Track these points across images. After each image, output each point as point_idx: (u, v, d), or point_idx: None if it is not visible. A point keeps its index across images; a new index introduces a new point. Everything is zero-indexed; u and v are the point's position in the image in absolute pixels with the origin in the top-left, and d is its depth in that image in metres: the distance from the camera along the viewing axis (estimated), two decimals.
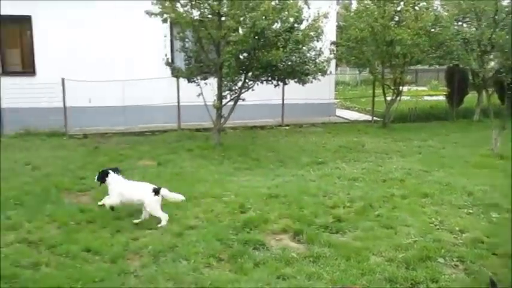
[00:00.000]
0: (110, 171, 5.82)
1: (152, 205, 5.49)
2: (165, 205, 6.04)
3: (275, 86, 11.33)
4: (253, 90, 10.86)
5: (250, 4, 9.48)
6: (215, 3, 9.55)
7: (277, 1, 9.97)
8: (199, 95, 10.51)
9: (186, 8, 9.59)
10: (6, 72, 13.49)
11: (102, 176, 5.78)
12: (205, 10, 9.69)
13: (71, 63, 13.26)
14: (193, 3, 9.51)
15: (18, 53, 13.94)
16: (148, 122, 13.58)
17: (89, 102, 13.23)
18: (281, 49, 9.73)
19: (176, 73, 11.41)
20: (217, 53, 10.10)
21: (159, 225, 5.40)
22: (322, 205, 6.15)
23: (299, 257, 4.55)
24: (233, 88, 10.66)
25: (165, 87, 13.15)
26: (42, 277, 4.11)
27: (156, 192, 5.49)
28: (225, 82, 10.55)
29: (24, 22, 13.52)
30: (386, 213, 5.83)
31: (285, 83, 11.36)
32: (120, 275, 4.19)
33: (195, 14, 9.71)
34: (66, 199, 6.54)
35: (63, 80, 12.47)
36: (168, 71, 12.01)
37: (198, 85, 10.74)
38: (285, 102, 14.23)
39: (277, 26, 9.99)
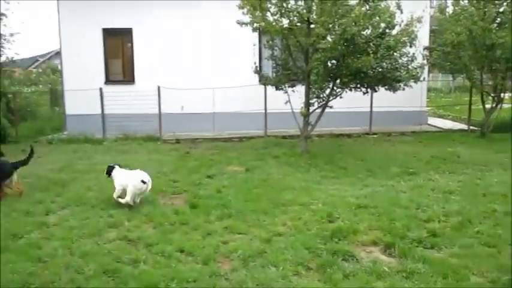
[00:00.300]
0: (116, 166, 6.86)
1: (131, 188, 6.36)
2: (253, 211, 6.18)
3: (364, 93, 11.05)
4: (341, 97, 10.70)
5: (340, 11, 9.37)
6: (304, 11, 9.59)
7: (367, 6, 9.74)
8: (286, 102, 10.59)
9: (275, 17, 9.73)
10: (109, 81, 14.65)
11: (109, 171, 6.78)
12: (295, 18, 9.76)
13: (166, 72, 14.11)
14: (283, 11, 9.62)
15: (119, 63, 15.08)
16: (236, 129, 13.94)
17: (182, 109, 13.90)
18: (371, 55, 9.48)
19: (264, 81, 11.62)
20: (305, 61, 10.11)
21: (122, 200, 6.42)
22: (415, 218, 5.86)
23: (391, 271, 4.37)
24: (321, 95, 10.59)
25: (252, 94, 13.44)
26: (141, 273, 4.36)
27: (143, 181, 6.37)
28: (313, 89, 10.52)
29: (126, 34, 14.63)
30: (487, 230, 5.40)
31: (374, 90, 11.03)
32: (212, 276, 4.31)
33: (284, 22, 9.82)
34: (161, 200, 6.89)
35: (158, 88, 13.27)
36: (255, 78, 12.28)
37: (286, 92, 10.83)
38: (373, 109, 13.86)
39: (367, 32, 9.75)
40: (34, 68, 30.30)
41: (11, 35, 11.41)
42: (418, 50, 11.06)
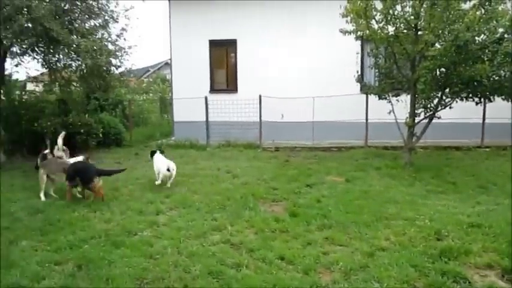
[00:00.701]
0: (157, 151, 8.85)
1: (162, 173, 8.38)
2: (355, 223, 6.02)
3: (477, 103, 10.25)
4: (451, 108, 10.04)
5: (451, 16, 8.85)
6: (412, 17, 9.20)
7: (483, 10, 9.05)
8: (390, 112, 10.22)
9: (381, 25, 9.47)
10: (214, 90, 15.35)
11: (151, 154, 8.87)
12: (401, 25, 9.41)
13: (267, 81, 14.43)
14: (389, 19, 9.32)
15: (223, 73, 15.76)
16: (335, 138, 13.76)
17: (281, 117, 14.07)
18: (487, 63, 8.79)
19: (366, 90, 11.33)
20: (411, 69, 9.68)
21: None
22: None
23: None
24: (428, 105, 10.04)
25: (352, 104, 13.21)
26: (244, 278, 4.46)
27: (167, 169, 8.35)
28: (420, 99, 10.02)
29: (230, 45, 15.26)
30: None
31: (489, 100, 10.17)
32: (313, 287, 4.28)
33: (390, 29, 9.51)
34: (262, 207, 7.00)
35: (260, 96, 13.58)
36: (356, 87, 12.05)
37: (389, 102, 10.45)
38: (486, 120, 12.83)
39: (482, 37, 9.06)
40: (145, 77, 32.78)
41: (129, 47, 12.45)
42: None
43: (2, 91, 12.28)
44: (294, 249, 5.16)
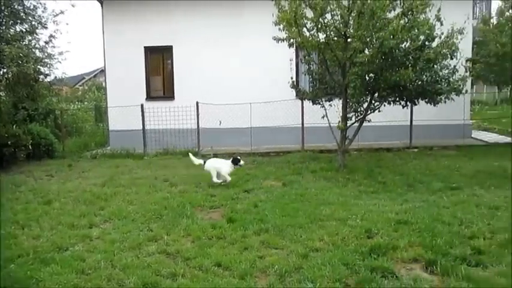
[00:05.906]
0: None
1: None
2: (290, 226, 6.14)
3: (403, 106, 10.86)
4: (379, 111, 10.55)
5: (378, 24, 9.30)
6: (341, 25, 9.58)
7: (406, 19, 9.60)
8: (323, 116, 10.55)
9: (312, 32, 9.77)
10: (150, 97, 15.09)
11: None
12: (331, 33, 9.76)
13: (204, 88, 14.42)
14: (320, 26, 9.64)
15: (160, 79, 15.56)
16: (273, 143, 13.99)
17: (219, 124, 14.08)
18: (410, 68, 9.32)
19: (301, 95, 11.63)
20: (342, 75, 10.08)
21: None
22: (458, 235, 5.64)
23: None
24: (358, 109, 10.49)
25: (289, 109, 13.49)
26: (179, 287, 4.42)
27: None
28: (350, 103, 10.44)
29: (166, 51, 15.11)
30: None
31: (414, 104, 10.80)
32: None
33: (321, 37, 9.84)
34: (199, 215, 6.97)
35: (197, 103, 13.53)
36: (292, 93, 12.33)
37: (323, 107, 10.79)
38: (413, 123, 13.58)
39: (406, 44, 9.62)
40: (80, 85, 31.59)
41: (60, 53, 11.97)
42: (460, 62, 10.75)
43: None
44: (230, 255, 5.19)
